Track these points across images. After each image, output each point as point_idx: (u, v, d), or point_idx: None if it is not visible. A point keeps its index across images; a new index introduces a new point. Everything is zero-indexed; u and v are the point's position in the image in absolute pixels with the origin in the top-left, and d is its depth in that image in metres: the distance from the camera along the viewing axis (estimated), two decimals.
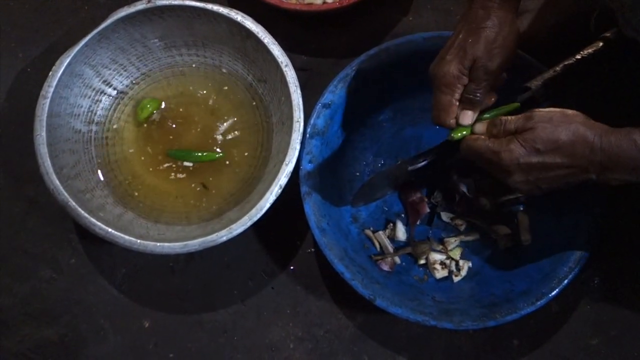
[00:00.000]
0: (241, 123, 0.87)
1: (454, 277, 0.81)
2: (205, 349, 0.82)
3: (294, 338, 0.82)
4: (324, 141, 0.81)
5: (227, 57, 0.87)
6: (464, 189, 0.82)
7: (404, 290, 0.78)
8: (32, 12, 0.98)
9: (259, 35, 0.80)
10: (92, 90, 0.85)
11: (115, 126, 0.87)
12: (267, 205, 0.74)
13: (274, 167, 0.80)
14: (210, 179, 0.85)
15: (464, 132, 0.68)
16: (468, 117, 0.68)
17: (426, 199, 0.84)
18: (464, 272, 0.81)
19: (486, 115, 0.69)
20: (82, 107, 0.84)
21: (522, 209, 0.83)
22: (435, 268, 0.81)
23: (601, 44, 0.72)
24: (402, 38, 0.82)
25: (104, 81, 0.85)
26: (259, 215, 0.74)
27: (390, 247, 0.82)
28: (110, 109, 0.87)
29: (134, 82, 0.88)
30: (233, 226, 0.73)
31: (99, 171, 0.84)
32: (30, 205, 0.88)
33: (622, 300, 0.82)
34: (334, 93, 0.81)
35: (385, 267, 0.81)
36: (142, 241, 0.73)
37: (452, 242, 0.82)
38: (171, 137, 0.86)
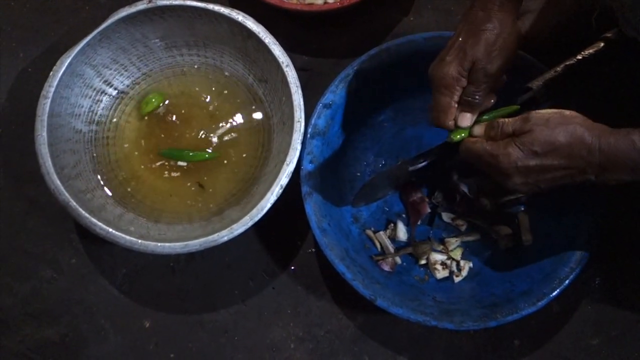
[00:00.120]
0: (240, 124, 0.87)
1: (454, 277, 0.81)
2: (206, 349, 0.82)
3: (294, 338, 0.82)
4: (325, 141, 0.81)
5: (228, 57, 0.87)
6: (464, 189, 0.82)
7: (405, 291, 0.78)
8: (33, 12, 0.98)
9: (260, 36, 0.80)
10: (92, 90, 0.85)
11: (116, 126, 0.87)
12: (268, 205, 0.74)
13: (274, 167, 0.80)
14: (205, 178, 0.85)
15: (463, 134, 0.68)
16: (466, 119, 0.68)
17: (427, 199, 0.83)
18: (464, 273, 0.81)
19: (485, 117, 0.69)
20: (82, 107, 0.84)
21: (523, 209, 0.83)
22: (436, 268, 0.81)
23: (602, 44, 0.72)
24: (402, 38, 0.82)
25: (105, 81, 0.85)
26: (260, 215, 0.74)
27: (391, 248, 0.82)
28: (111, 108, 0.87)
29: (134, 82, 0.88)
30: (234, 226, 0.73)
31: (100, 171, 0.84)
32: (31, 205, 0.88)
33: (623, 300, 0.82)
34: (335, 93, 0.81)
35: (386, 268, 0.81)
36: (142, 241, 0.73)
37: (453, 242, 0.82)
38: (168, 135, 0.86)
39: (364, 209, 0.84)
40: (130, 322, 0.83)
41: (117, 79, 0.87)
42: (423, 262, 0.82)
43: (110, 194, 0.83)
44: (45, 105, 0.76)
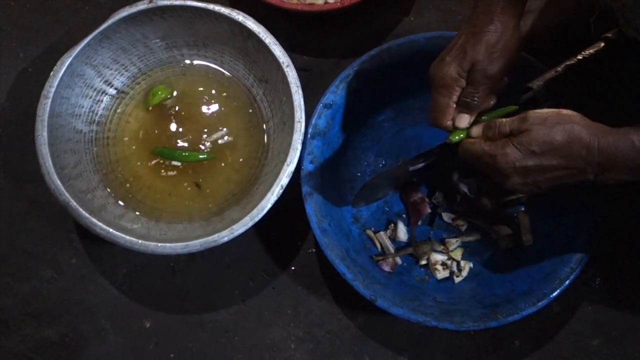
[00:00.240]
0: (241, 124, 0.87)
1: (455, 277, 0.81)
2: (206, 349, 0.82)
3: (295, 338, 0.82)
4: (325, 141, 0.81)
5: (228, 58, 0.87)
6: (465, 189, 0.82)
7: (405, 291, 0.78)
8: (33, 12, 0.97)
9: (261, 36, 0.79)
10: (93, 90, 0.84)
11: (116, 126, 0.87)
12: (269, 206, 0.74)
13: (275, 167, 0.80)
14: (201, 179, 0.85)
15: (462, 135, 0.68)
16: (464, 120, 0.68)
17: (427, 200, 0.83)
18: (465, 273, 0.81)
19: (484, 118, 0.69)
20: (83, 107, 0.83)
21: (523, 209, 0.83)
22: (436, 268, 0.81)
23: (602, 44, 0.72)
24: (403, 38, 0.82)
25: (105, 81, 0.85)
26: (260, 216, 0.74)
27: (391, 248, 0.82)
28: (111, 109, 0.87)
29: (135, 82, 0.88)
30: (234, 226, 0.73)
31: (100, 171, 0.84)
32: (31, 205, 0.88)
33: (623, 301, 0.82)
34: (335, 93, 0.81)
35: (387, 268, 0.81)
36: (143, 241, 0.73)
37: (454, 242, 0.82)
38: (168, 134, 0.86)
39: (365, 209, 0.84)
40: (131, 322, 0.83)
41: (118, 79, 0.87)
42: (423, 262, 0.82)
43: (110, 194, 0.83)
44: (45, 105, 0.76)
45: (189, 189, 0.84)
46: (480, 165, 0.65)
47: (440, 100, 0.67)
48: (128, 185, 0.84)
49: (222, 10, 0.80)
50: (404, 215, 0.85)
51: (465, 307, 0.75)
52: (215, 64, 0.88)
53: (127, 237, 0.73)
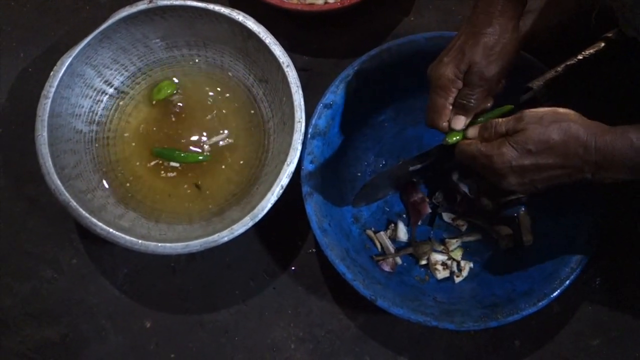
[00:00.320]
0: (241, 124, 0.87)
1: (455, 277, 0.81)
2: (207, 349, 0.82)
3: (295, 338, 0.82)
4: (326, 141, 0.81)
5: (228, 58, 0.87)
6: (465, 189, 0.82)
7: (405, 291, 0.78)
8: (33, 12, 0.97)
9: (261, 36, 0.79)
10: (93, 90, 0.84)
11: (116, 126, 0.86)
12: (269, 206, 0.74)
13: (275, 167, 0.80)
14: (201, 180, 0.84)
15: (458, 137, 0.68)
16: (460, 122, 0.67)
17: (427, 200, 0.83)
18: (465, 273, 0.81)
19: (480, 119, 0.69)
20: (83, 107, 0.83)
21: (523, 209, 0.83)
22: (436, 269, 0.81)
23: (603, 44, 0.72)
24: (403, 38, 0.82)
25: (105, 81, 0.85)
26: (260, 216, 0.74)
27: (391, 248, 0.82)
28: (111, 109, 0.87)
29: (135, 82, 0.88)
30: (234, 226, 0.73)
31: (100, 171, 0.84)
32: (31, 205, 0.88)
33: (623, 301, 0.82)
34: (336, 93, 0.81)
35: (387, 268, 0.81)
36: (143, 241, 0.73)
37: (454, 242, 0.82)
38: (168, 134, 0.86)
39: (365, 209, 0.84)
40: (131, 322, 0.83)
41: (118, 79, 0.87)
42: (423, 262, 0.82)
43: (110, 194, 0.83)
44: (45, 105, 0.76)
45: (188, 191, 0.84)
46: (477, 167, 0.64)
47: (436, 101, 0.67)
48: (128, 185, 0.84)
49: (222, 10, 0.80)
50: (404, 215, 0.85)
51: (465, 307, 0.75)
52: (216, 64, 0.88)
53: (128, 237, 0.73)
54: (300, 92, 0.78)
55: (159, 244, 0.73)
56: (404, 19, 0.96)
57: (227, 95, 0.88)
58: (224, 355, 0.82)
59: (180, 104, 0.87)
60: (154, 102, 0.87)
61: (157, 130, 0.86)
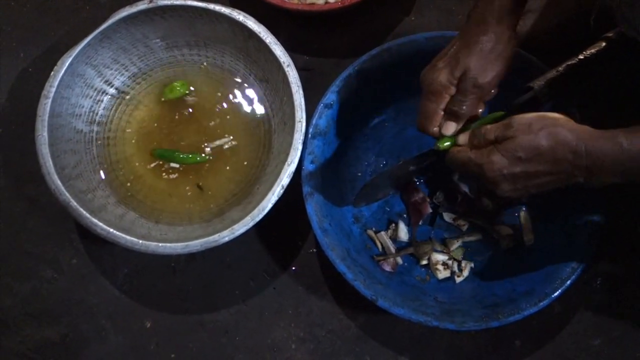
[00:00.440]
0: (241, 124, 0.87)
1: (456, 277, 0.81)
2: (207, 349, 0.82)
3: (295, 338, 0.82)
4: (326, 141, 0.81)
5: (229, 57, 0.87)
6: (465, 189, 0.82)
7: (406, 291, 0.78)
8: (33, 12, 0.97)
9: (261, 35, 0.79)
10: (93, 90, 0.84)
11: (116, 126, 0.86)
12: (269, 206, 0.74)
13: (276, 167, 0.80)
14: (203, 180, 0.84)
15: (449, 143, 0.68)
16: (450, 128, 0.67)
17: (428, 200, 0.83)
18: (466, 273, 0.81)
19: (473, 125, 0.68)
20: (83, 107, 0.83)
21: (524, 209, 0.83)
22: (437, 268, 0.81)
23: (604, 43, 0.72)
24: (404, 38, 0.81)
25: (106, 81, 0.85)
26: (261, 216, 0.74)
27: (392, 248, 0.82)
28: (111, 109, 0.87)
29: (135, 82, 0.88)
30: (235, 226, 0.73)
31: (101, 171, 0.84)
32: (31, 205, 0.88)
33: (624, 301, 0.82)
34: (336, 93, 0.81)
35: (387, 268, 0.80)
36: (143, 241, 0.73)
37: (454, 242, 0.82)
38: (168, 135, 0.86)
39: (365, 209, 0.84)
40: (131, 322, 0.83)
41: (118, 79, 0.87)
42: (424, 262, 0.82)
43: (111, 194, 0.83)
44: (46, 105, 0.76)
45: (189, 192, 0.84)
46: (469, 174, 0.64)
47: (427, 106, 0.67)
48: (128, 185, 0.84)
49: (222, 10, 0.80)
50: (404, 215, 0.85)
51: (466, 307, 0.75)
52: (216, 64, 0.88)
53: (128, 237, 0.73)
54: (301, 92, 0.78)
55: (160, 244, 0.73)
56: (405, 18, 0.96)
57: (228, 94, 0.88)
58: (224, 356, 0.82)
59: (191, 106, 0.87)
60: (162, 100, 0.87)
61: (159, 130, 0.86)
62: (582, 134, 0.58)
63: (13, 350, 0.82)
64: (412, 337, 0.81)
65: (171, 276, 0.85)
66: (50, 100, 0.76)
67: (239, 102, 0.87)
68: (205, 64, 0.88)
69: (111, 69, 0.85)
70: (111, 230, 0.73)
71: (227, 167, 0.85)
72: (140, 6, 0.79)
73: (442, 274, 0.81)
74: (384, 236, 0.82)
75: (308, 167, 0.78)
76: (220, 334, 0.82)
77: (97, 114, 0.85)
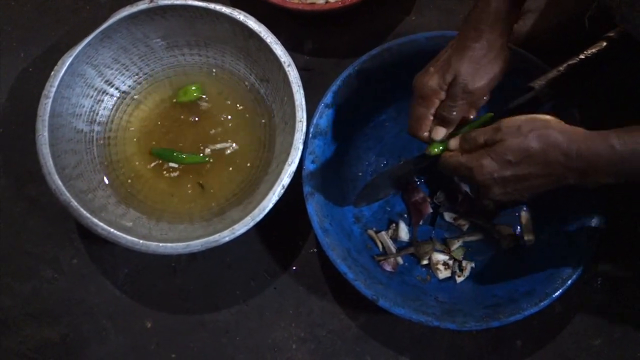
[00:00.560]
0: (242, 124, 0.87)
1: (456, 277, 0.81)
2: (208, 349, 0.82)
3: (296, 338, 0.82)
4: (327, 141, 0.81)
5: (229, 57, 0.87)
6: (466, 189, 0.82)
7: (407, 291, 0.78)
8: (34, 11, 0.97)
9: (262, 35, 0.79)
10: (94, 90, 0.84)
11: (117, 126, 0.86)
12: (270, 206, 0.74)
13: (276, 167, 0.80)
14: (204, 179, 0.84)
15: (440, 148, 0.68)
16: (440, 133, 0.67)
17: (429, 199, 0.83)
18: (466, 273, 0.81)
19: (464, 129, 0.68)
20: (84, 107, 0.83)
21: (524, 209, 0.83)
22: (438, 268, 0.81)
23: (604, 43, 0.72)
24: (404, 38, 0.81)
25: (106, 81, 0.85)
26: (261, 216, 0.74)
27: (393, 248, 0.82)
28: (112, 109, 0.87)
29: (136, 81, 0.88)
30: (235, 226, 0.73)
31: (101, 171, 0.84)
32: (32, 205, 0.88)
33: (625, 301, 0.82)
34: (337, 93, 0.81)
35: (388, 268, 0.80)
36: (144, 241, 0.73)
37: (455, 242, 0.82)
38: (168, 136, 0.86)
39: (366, 209, 0.84)
40: (132, 322, 0.83)
41: (119, 79, 0.87)
42: (425, 262, 0.82)
43: (111, 194, 0.82)
44: (46, 105, 0.76)
45: (189, 191, 0.84)
46: (461, 178, 0.64)
47: (417, 110, 0.67)
48: (129, 185, 0.84)
49: (223, 10, 0.80)
50: (405, 215, 0.85)
51: (467, 307, 0.75)
52: (217, 64, 0.88)
53: (129, 237, 0.73)
54: (302, 91, 0.78)
55: (160, 244, 0.73)
56: (405, 18, 0.96)
57: (228, 94, 0.88)
58: (224, 356, 0.82)
59: (201, 111, 0.87)
60: (174, 101, 0.87)
61: (160, 130, 0.86)
62: (574, 136, 0.58)
63: (13, 350, 0.82)
64: (413, 337, 0.81)
65: (172, 276, 0.85)
66: (50, 100, 0.76)
67: (238, 102, 0.87)
68: (214, 70, 0.88)
69: (112, 69, 0.85)
70: (112, 230, 0.73)
71: (228, 167, 0.85)
72: (141, 6, 0.79)
73: (443, 273, 0.81)
74: (385, 236, 0.82)
75: (309, 166, 0.78)
76: (221, 334, 0.82)
77: (97, 113, 0.85)
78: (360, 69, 0.81)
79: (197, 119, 0.86)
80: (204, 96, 0.87)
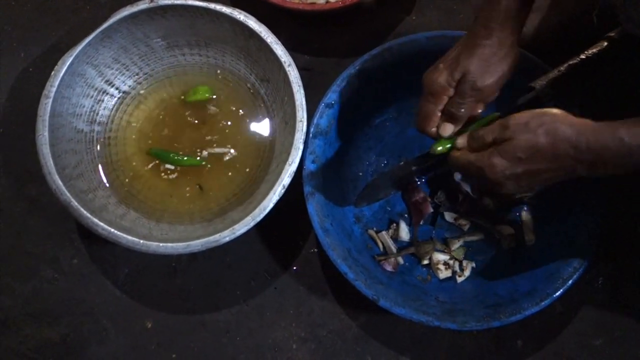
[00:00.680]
0: (242, 124, 0.87)
1: (457, 277, 0.81)
2: (208, 349, 0.82)
3: (296, 338, 0.82)
4: (327, 141, 0.81)
5: (229, 57, 0.87)
6: (467, 188, 0.82)
7: (407, 291, 0.78)
8: (34, 11, 0.97)
9: (262, 35, 0.79)
10: (94, 90, 0.84)
11: (117, 126, 0.86)
12: (270, 206, 0.74)
13: (277, 167, 0.80)
14: (203, 180, 0.84)
15: (447, 145, 0.68)
16: (447, 129, 0.67)
17: (429, 199, 0.83)
18: (467, 273, 0.81)
19: (472, 127, 0.68)
20: (84, 107, 0.83)
21: (525, 209, 0.83)
22: (438, 268, 0.81)
23: (606, 43, 0.72)
24: (405, 37, 0.81)
25: (107, 81, 0.85)
26: (262, 216, 0.74)
27: (393, 248, 0.82)
28: (112, 108, 0.87)
29: (136, 81, 0.88)
30: (236, 226, 0.73)
31: (102, 171, 0.83)
32: (32, 205, 0.88)
33: (626, 300, 0.82)
34: (337, 93, 0.81)
35: (389, 268, 0.80)
36: (144, 241, 0.73)
37: (456, 242, 0.82)
38: (169, 136, 0.86)
39: (366, 209, 0.84)
40: (132, 322, 0.83)
41: (119, 79, 0.86)
42: (425, 262, 0.82)
43: (111, 194, 0.82)
44: (46, 105, 0.76)
45: (188, 194, 0.84)
46: (472, 176, 0.64)
47: (426, 106, 0.67)
48: (129, 185, 0.84)
49: (223, 10, 0.80)
50: (406, 215, 0.84)
51: (467, 307, 0.75)
52: (217, 64, 0.88)
53: (129, 237, 0.73)
54: (302, 91, 0.78)
55: (161, 244, 0.73)
56: (406, 18, 0.96)
57: (228, 94, 0.88)
58: (225, 356, 0.82)
59: (208, 115, 0.86)
60: (182, 98, 0.87)
61: (160, 132, 0.86)
62: (582, 128, 0.58)
63: (13, 350, 0.82)
64: (414, 337, 0.81)
65: (172, 276, 0.85)
66: (51, 100, 0.76)
67: (238, 102, 0.87)
68: (218, 71, 0.88)
69: (112, 69, 0.85)
70: (112, 230, 0.73)
71: (227, 168, 0.85)
72: (141, 5, 0.79)
73: (444, 273, 0.81)
74: (385, 236, 0.82)
75: (309, 166, 0.78)
76: (222, 334, 0.82)
77: (98, 113, 0.85)
78: (361, 69, 0.81)
79: (196, 121, 0.86)
80: (214, 97, 0.87)
